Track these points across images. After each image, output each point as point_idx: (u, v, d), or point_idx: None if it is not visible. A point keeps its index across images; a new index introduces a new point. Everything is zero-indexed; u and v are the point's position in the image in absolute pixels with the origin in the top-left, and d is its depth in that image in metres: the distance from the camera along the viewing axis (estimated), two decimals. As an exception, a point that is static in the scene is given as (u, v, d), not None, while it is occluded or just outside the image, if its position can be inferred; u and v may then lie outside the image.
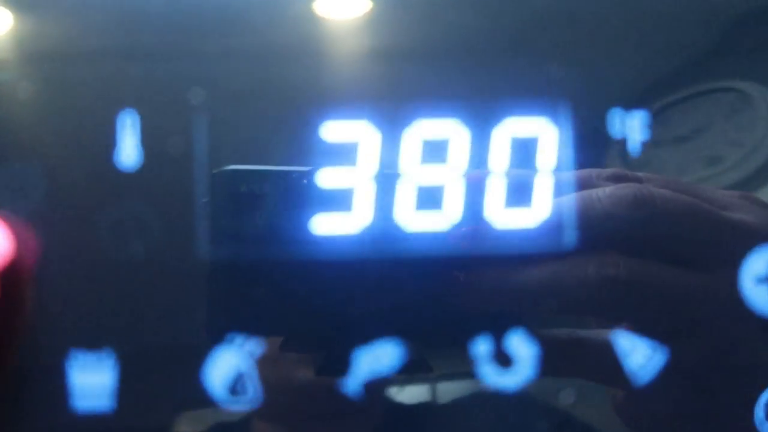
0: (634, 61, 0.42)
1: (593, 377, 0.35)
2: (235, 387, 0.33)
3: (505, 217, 0.33)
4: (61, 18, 0.39)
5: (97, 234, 0.35)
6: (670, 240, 0.32)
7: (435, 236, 0.33)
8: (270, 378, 0.34)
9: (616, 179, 0.34)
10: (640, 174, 0.34)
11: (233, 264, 0.33)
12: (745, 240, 0.33)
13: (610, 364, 0.33)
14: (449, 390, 0.39)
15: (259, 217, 0.32)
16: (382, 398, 0.38)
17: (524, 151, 0.33)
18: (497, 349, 0.34)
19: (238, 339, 0.33)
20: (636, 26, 0.42)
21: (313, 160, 0.32)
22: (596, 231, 0.32)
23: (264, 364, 0.34)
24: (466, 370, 0.34)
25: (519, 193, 0.33)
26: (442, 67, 0.40)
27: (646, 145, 0.37)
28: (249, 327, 0.33)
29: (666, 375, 0.33)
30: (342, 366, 0.34)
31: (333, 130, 0.33)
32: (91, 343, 0.33)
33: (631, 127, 0.37)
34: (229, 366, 0.33)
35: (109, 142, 0.34)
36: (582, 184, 0.33)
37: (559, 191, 0.33)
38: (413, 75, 0.39)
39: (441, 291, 0.33)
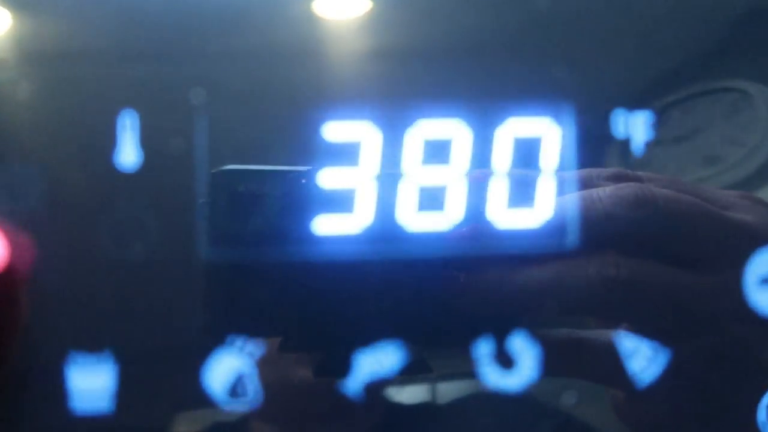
0: (635, 61, 0.42)
1: (594, 378, 0.35)
2: (235, 388, 0.33)
3: (507, 218, 0.33)
4: (61, 18, 0.39)
5: (96, 234, 0.35)
6: (671, 240, 0.32)
7: (437, 237, 0.33)
8: (270, 378, 0.34)
9: (617, 179, 0.34)
10: (641, 174, 0.34)
11: (233, 264, 0.33)
12: (747, 240, 0.33)
13: (611, 365, 0.33)
14: (449, 390, 0.39)
15: (258, 217, 0.32)
16: (382, 399, 0.37)
17: (527, 152, 0.33)
18: (498, 349, 0.34)
19: (238, 340, 0.33)
20: (637, 26, 0.42)
21: (315, 160, 0.32)
22: (597, 231, 0.32)
23: (264, 364, 0.33)
24: (466, 370, 0.34)
25: (521, 193, 0.33)
26: (444, 66, 0.40)
27: (647, 145, 0.37)
28: (249, 327, 0.33)
29: (667, 376, 0.33)
30: (342, 367, 0.34)
31: (334, 131, 0.33)
32: (91, 344, 0.33)
33: (635, 127, 0.37)
34: (228, 367, 0.33)
35: (108, 142, 0.34)
36: (582, 184, 0.33)
37: (559, 191, 0.33)
38: (415, 75, 0.39)
39: (442, 291, 0.33)
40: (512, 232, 0.33)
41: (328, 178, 0.32)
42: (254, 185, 0.32)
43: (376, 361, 0.33)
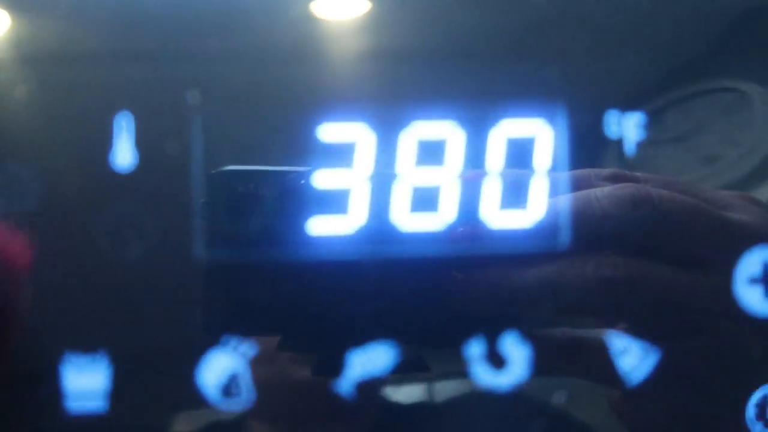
0: (630, 62, 0.42)
1: (588, 377, 0.35)
2: (230, 388, 0.33)
3: (502, 218, 0.33)
4: (58, 19, 0.39)
5: (92, 235, 0.35)
6: (669, 240, 0.32)
7: (430, 237, 0.33)
8: (266, 378, 0.34)
9: (615, 179, 0.34)
10: (638, 174, 0.34)
11: (230, 264, 0.33)
12: (744, 240, 0.33)
13: (605, 364, 0.33)
14: (445, 389, 0.40)
15: (255, 217, 0.32)
16: (378, 398, 0.38)
17: (520, 153, 0.33)
18: (492, 349, 0.34)
19: (234, 340, 0.33)
20: (633, 27, 0.42)
21: (310, 161, 0.32)
22: (594, 231, 0.32)
23: (260, 363, 0.34)
24: (461, 370, 0.34)
25: (515, 193, 0.33)
26: (439, 68, 0.40)
27: (643, 145, 0.37)
28: (245, 327, 0.33)
29: (662, 374, 0.33)
30: (338, 366, 0.34)
31: (330, 132, 0.33)
32: (86, 344, 0.33)
33: (628, 128, 0.37)
34: (223, 367, 0.33)
35: (105, 143, 0.34)
36: (580, 184, 0.33)
37: (557, 191, 0.33)
38: (410, 76, 0.39)
39: (436, 292, 0.33)
40: (507, 232, 0.33)
41: (323, 178, 0.32)
42: (252, 186, 0.32)
43: (373, 360, 0.33)
